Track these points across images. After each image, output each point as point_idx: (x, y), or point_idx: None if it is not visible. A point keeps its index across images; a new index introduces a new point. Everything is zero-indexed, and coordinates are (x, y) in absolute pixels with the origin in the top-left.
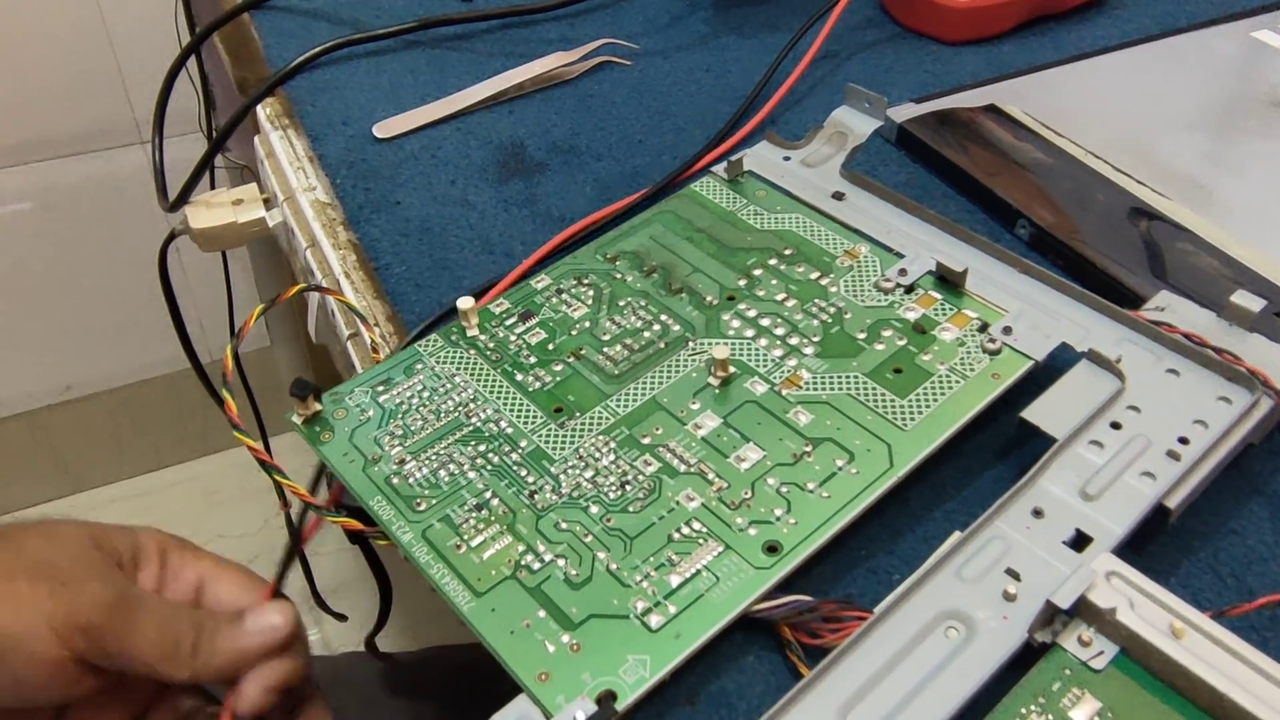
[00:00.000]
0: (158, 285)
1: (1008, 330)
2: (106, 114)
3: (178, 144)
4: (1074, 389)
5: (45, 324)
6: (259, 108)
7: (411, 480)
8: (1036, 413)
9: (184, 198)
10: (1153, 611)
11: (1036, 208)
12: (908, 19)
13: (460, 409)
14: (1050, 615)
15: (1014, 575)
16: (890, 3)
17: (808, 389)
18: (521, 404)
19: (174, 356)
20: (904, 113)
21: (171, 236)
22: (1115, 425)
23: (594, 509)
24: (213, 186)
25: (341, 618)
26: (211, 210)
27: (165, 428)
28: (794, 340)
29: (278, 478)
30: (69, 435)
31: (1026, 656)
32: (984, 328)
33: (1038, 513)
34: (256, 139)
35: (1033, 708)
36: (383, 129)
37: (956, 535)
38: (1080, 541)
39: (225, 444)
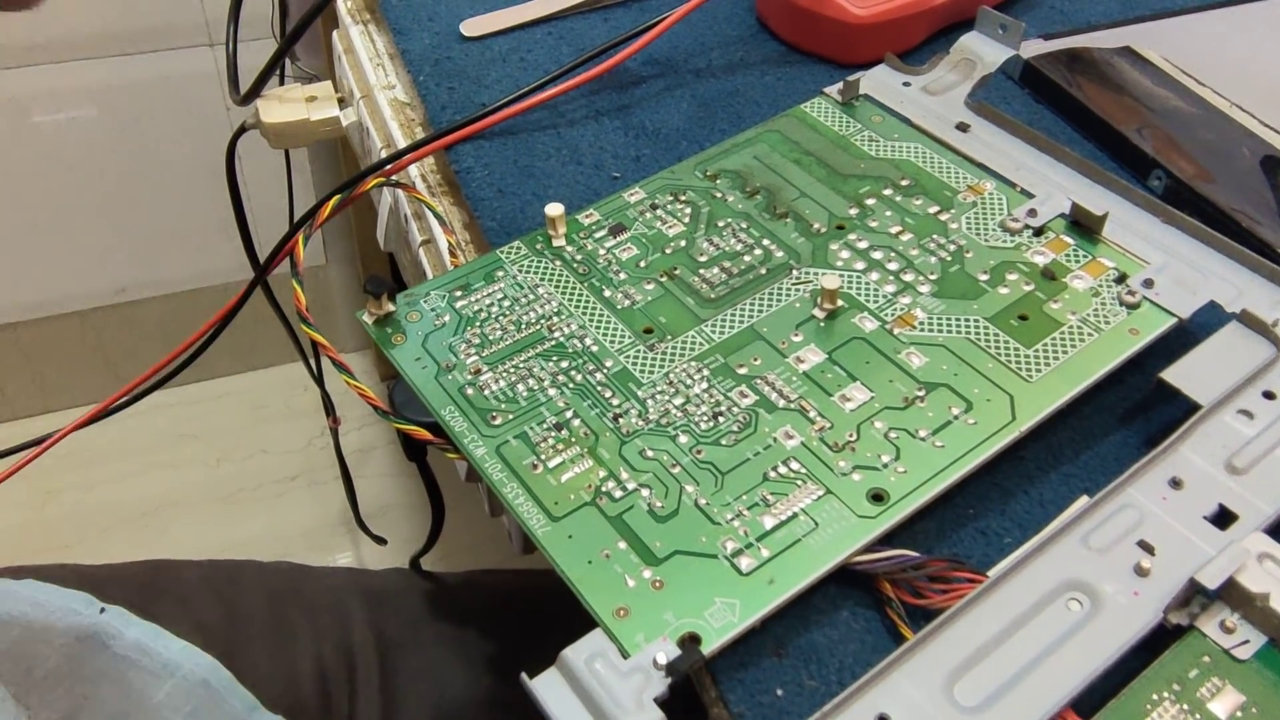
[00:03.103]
0: (216, 192)
1: (1149, 283)
2: (175, 11)
3: (247, 49)
4: (1222, 352)
5: (102, 225)
6: (339, 0)
7: (487, 392)
8: (1179, 374)
9: (256, 92)
10: None
11: (1174, 158)
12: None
13: (543, 321)
14: (1189, 595)
15: (1147, 548)
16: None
17: (922, 329)
18: (609, 322)
19: (228, 267)
20: (1031, 48)
21: (241, 130)
22: (1269, 395)
23: (683, 439)
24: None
25: (381, 541)
26: (284, 105)
27: (215, 338)
28: (909, 277)
29: (345, 379)
30: (119, 338)
31: (1156, 639)
32: (1122, 279)
33: (1176, 483)
34: (335, 34)
35: (1166, 695)
36: (471, 27)
37: (1084, 499)
38: (1224, 518)
39: (273, 360)
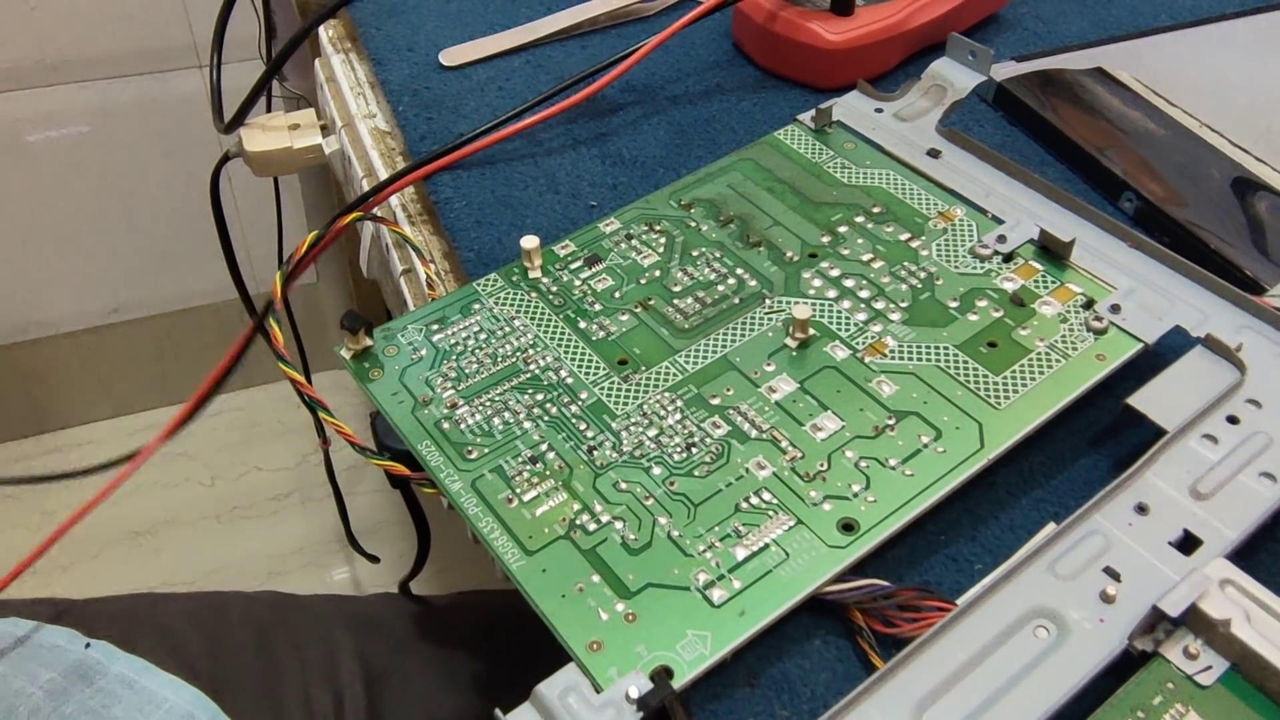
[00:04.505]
0: (208, 212)
1: (1116, 309)
2: (165, 34)
3: (236, 70)
4: (1187, 377)
5: (94, 245)
6: (321, 30)
7: (463, 426)
8: (1145, 400)
9: (239, 119)
10: (1272, 627)
11: (1145, 180)
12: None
13: (518, 354)
14: (1153, 622)
15: (1113, 575)
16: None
17: (893, 358)
18: (584, 353)
19: (220, 286)
20: (1004, 71)
21: (225, 159)
22: (1232, 419)
23: (656, 470)
24: (269, 111)
25: (374, 559)
26: (267, 134)
27: (208, 357)
28: (880, 304)
29: (322, 415)
30: (113, 358)
31: (1122, 665)
32: (1089, 304)
33: (1142, 509)
34: (317, 63)
35: None
36: (449, 57)
37: (1051, 527)
38: (1189, 544)
39: (267, 378)
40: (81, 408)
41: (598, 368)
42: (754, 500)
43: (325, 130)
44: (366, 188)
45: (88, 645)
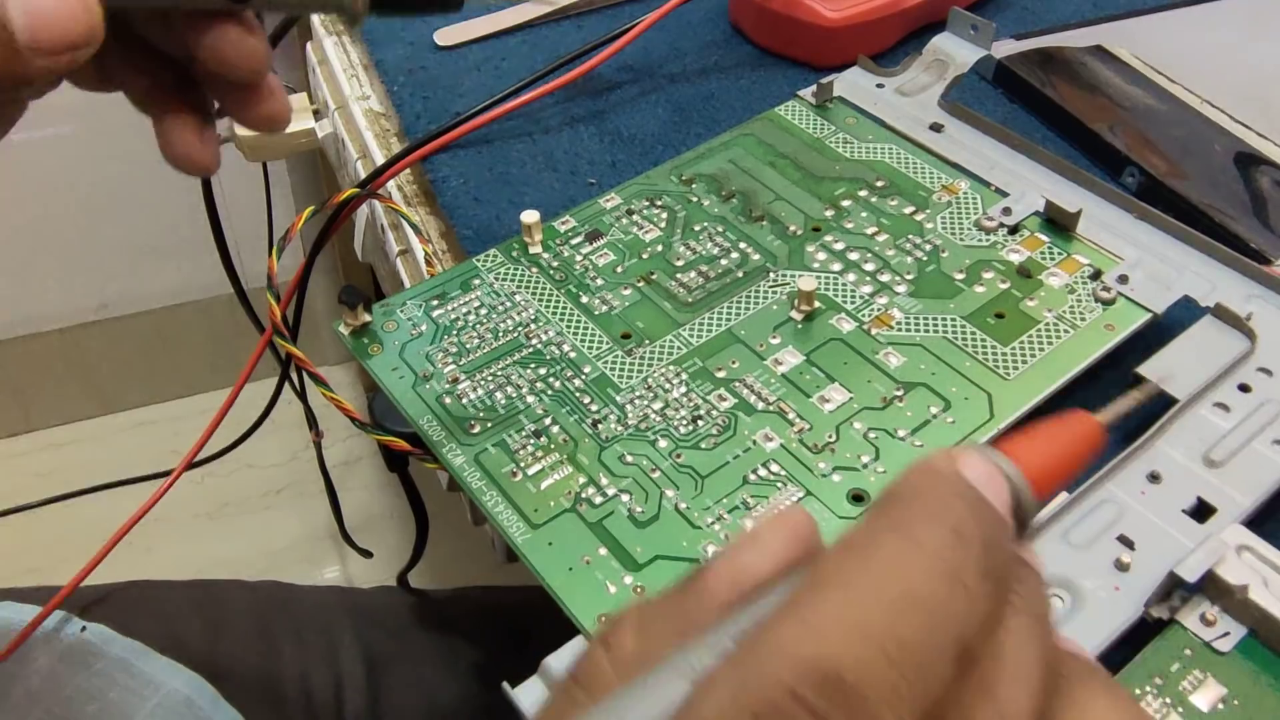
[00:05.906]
0: (196, 206)
1: (1124, 279)
2: None
3: None
4: (1197, 346)
5: (81, 241)
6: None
7: (465, 401)
8: (1155, 369)
9: None
10: None
11: (1147, 155)
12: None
13: (520, 329)
14: (1169, 589)
15: (1127, 543)
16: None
17: (900, 329)
18: (586, 328)
19: (209, 282)
20: (1004, 48)
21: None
22: (1244, 388)
23: (662, 443)
24: None
25: (367, 554)
26: None
27: (198, 353)
28: (885, 277)
29: (323, 391)
30: (102, 355)
31: (1138, 633)
32: (1097, 275)
33: (1154, 477)
34: (309, 46)
35: (1149, 689)
36: (445, 37)
37: (1064, 496)
38: (1202, 511)
39: (257, 374)
40: (71, 405)
41: (601, 342)
42: (762, 472)
43: (317, 114)
44: (362, 170)
45: (84, 629)
